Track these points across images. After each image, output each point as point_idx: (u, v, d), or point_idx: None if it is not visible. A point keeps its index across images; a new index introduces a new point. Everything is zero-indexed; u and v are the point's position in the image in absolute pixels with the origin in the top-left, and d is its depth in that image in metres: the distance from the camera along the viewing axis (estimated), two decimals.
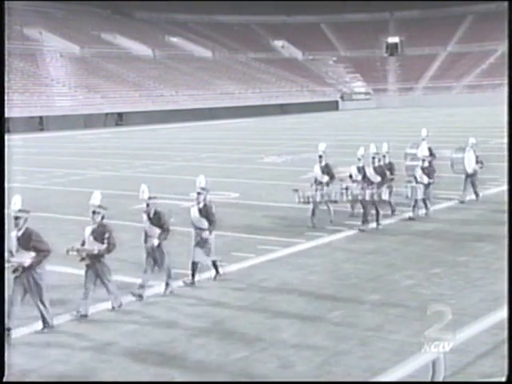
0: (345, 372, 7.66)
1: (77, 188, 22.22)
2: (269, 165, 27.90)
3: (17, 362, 8.02)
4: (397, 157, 19.36)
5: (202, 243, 11.28)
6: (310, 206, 15.47)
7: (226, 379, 7.65)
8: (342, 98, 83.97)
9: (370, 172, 15.43)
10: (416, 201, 16.02)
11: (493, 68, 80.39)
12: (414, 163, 17.19)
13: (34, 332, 9.24)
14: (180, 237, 12.13)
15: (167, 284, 10.84)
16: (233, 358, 8.15)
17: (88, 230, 10.04)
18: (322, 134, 40.18)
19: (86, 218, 10.33)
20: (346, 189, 15.23)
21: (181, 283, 11.17)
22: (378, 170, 15.50)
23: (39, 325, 9.35)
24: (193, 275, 11.25)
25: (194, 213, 11.37)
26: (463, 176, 18.08)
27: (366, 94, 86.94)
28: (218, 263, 11.59)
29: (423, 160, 16.37)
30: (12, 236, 9.19)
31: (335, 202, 15.39)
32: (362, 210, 15.30)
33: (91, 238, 9.92)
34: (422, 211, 16.24)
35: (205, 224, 11.28)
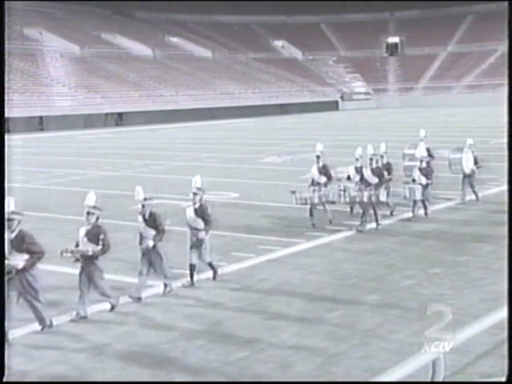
0: (345, 372, 7.66)
1: (77, 188, 22.21)
2: (269, 165, 27.90)
3: (13, 362, 8.01)
4: (396, 157, 19.38)
5: (197, 244, 11.22)
6: (308, 207, 15.47)
7: (225, 379, 7.65)
8: (341, 97, 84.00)
9: (367, 173, 15.38)
10: (415, 201, 16.02)
11: (493, 68, 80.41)
12: (412, 163, 17.19)
13: (33, 333, 9.22)
14: (180, 237, 12.12)
15: (165, 285, 10.83)
16: (233, 359, 8.15)
17: (82, 230, 9.94)
18: (322, 134, 40.21)
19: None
20: (344, 190, 15.22)
21: (179, 284, 11.16)
22: (376, 172, 15.44)
23: (37, 326, 9.33)
24: (191, 277, 11.23)
25: (190, 213, 11.32)
26: (461, 176, 18.08)
27: (366, 93, 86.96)
28: (216, 263, 11.56)
29: (421, 161, 16.35)
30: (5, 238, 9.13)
31: (333, 202, 15.37)
32: (361, 211, 15.30)
33: (85, 239, 9.81)
34: (421, 212, 16.23)
35: (200, 224, 11.22)
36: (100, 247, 9.77)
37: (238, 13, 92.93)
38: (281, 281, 11.39)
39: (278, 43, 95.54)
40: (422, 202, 16.14)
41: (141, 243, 10.78)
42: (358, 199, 15.10)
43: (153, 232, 10.61)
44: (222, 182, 23.09)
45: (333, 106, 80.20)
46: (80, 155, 34.31)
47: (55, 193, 22.18)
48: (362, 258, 12.78)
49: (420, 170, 16.21)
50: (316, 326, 9.20)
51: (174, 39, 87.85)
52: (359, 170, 15.76)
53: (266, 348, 8.43)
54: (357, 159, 16.13)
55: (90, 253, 9.71)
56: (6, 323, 7.87)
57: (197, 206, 11.34)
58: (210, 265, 11.46)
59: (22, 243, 9.04)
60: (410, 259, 12.62)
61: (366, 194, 14.88)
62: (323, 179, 15.65)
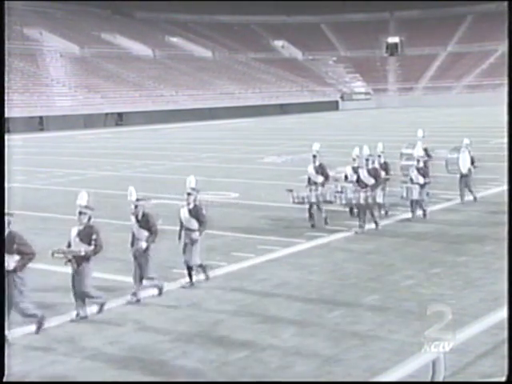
0: (345, 372, 7.66)
1: (77, 188, 22.08)
2: (269, 165, 27.91)
3: (13, 362, 8.02)
4: (395, 157, 19.39)
5: (190, 244, 11.15)
6: (306, 207, 15.45)
7: (225, 379, 7.65)
8: (341, 97, 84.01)
9: (363, 174, 15.31)
10: (413, 201, 15.98)
11: (493, 68, 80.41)
12: (409, 163, 17.17)
13: (33, 333, 9.22)
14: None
15: (158, 288, 10.70)
16: (233, 359, 8.15)
17: (74, 231, 9.83)
18: (322, 134, 40.21)
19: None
20: (341, 191, 15.20)
21: (176, 285, 11.16)
22: (372, 172, 15.37)
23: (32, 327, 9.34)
24: (190, 277, 11.21)
25: (184, 213, 11.25)
26: (458, 176, 18.07)
27: (366, 94, 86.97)
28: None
29: (418, 160, 16.30)
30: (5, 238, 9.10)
31: (330, 202, 15.35)
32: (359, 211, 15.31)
33: (77, 239, 9.71)
34: (419, 212, 16.19)
35: (195, 225, 11.14)
36: (92, 247, 9.65)
37: (238, 13, 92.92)
38: (281, 281, 11.39)
39: (278, 43, 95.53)
40: (418, 202, 16.05)
41: (133, 244, 10.68)
42: (354, 201, 15.08)
43: (146, 233, 10.51)
44: (222, 182, 23.09)
45: (333, 106, 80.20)
46: (80, 155, 34.31)
47: (55, 193, 22.17)
48: (361, 258, 12.79)
49: (417, 169, 16.17)
50: (316, 326, 9.20)
51: (174, 39, 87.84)
52: (356, 170, 15.75)
53: (266, 348, 8.43)
54: (354, 159, 16.13)
55: (83, 253, 9.60)
56: (6, 323, 7.87)
57: (191, 206, 11.25)
58: (201, 266, 11.34)
59: (13, 244, 8.86)
60: (410, 259, 12.62)
61: (362, 195, 14.85)
62: (320, 179, 15.61)
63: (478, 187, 19.53)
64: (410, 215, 16.15)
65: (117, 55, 77.46)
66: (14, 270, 8.85)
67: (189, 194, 11.30)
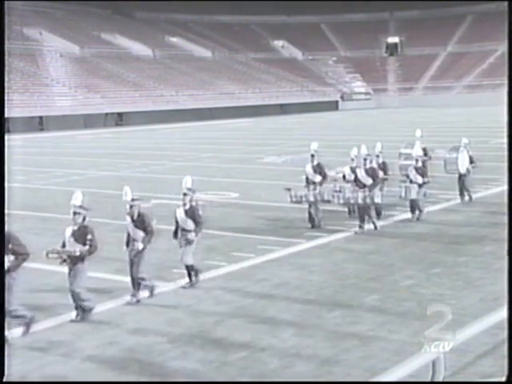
0: (345, 372, 7.66)
1: (77, 188, 22.17)
2: (269, 165, 27.91)
3: (13, 362, 8.02)
4: (394, 157, 19.40)
5: (185, 245, 11.07)
6: (306, 207, 15.44)
7: (225, 379, 7.64)
8: (342, 97, 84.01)
9: (361, 174, 15.30)
10: (411, 201, 15.96)
11: (493, 68, 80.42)
12: (407, 163, 17.16)
13: (32, 333, 9.21)
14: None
15: (149, 289, 10.60)
16: (232, 359, 8.15)
17: (68, 231, 9.77)
18: (322, 134, 40.22)
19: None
20: (339, 191, 15.18)
21: (176, 285, 11.16)
22: (370, 172, 15.35)
23: (36, 326, 9.33)
24: (189, 277, 11.20)
25: (180, 214, 11.17)
26: (457, 176, 18.05)
27: (366, 94, 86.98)
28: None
29: (416, 160, 16.27)
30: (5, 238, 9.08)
31: (328, 201, 15.33)
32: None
33: (72, 239, 9.65)
34: (417, 212, 16.15)
35: (191, 226, 11.07)
36: (87, 247, 9.59)
37: (238, 13, 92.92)
38: (281, 281, 11.38)
39: (278, 43, 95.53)
40: (417, 201, 15.99)
41: (128, 244, 10.60)
42: (352, 201, 15.06)
43: (141, 233, 10.44)
44: (222, 181, 23.10)
45: (333, 106, 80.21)
46: (80, 155, 34.31)
47: (55, 193, 22.16)
48: (361, 258, 12.79)
49: (416, 169, 16.14)
50: (316, 326, 9.20)
51: (174, 39, 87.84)
52: (354, 170, 15.74)
53: (266, 348, 8.43)
54: (352, 159, 16.11)
55: (78, 253, 9.53)
56: (5, 323, 7.87)
57: (187, 206, 11.17)
58: (192, 268, 11.20)
59: (8, 244, 8.78)
60: (410, 259, 12.62)
61: (360, 195, 14.84)
62: (318, 178, 15.58)
63: (478, 187, 19.54)
64: (409, 215, 16.13)
65: (117, 55, 77.46)
66: (8, 270, 8.81)
67: (185, 195, 11.21)
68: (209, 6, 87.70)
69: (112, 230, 14.11)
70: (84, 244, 9.61)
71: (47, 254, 9.63)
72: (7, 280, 8.68)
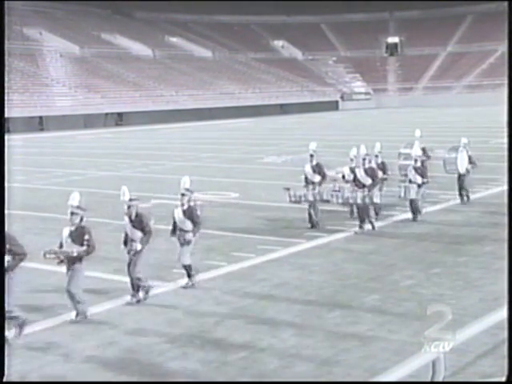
0: (345, 372, 7.66)
1: (77, 188, 22.12)
2: (269, 165, 27.91)
3: (13, 362, 8.02)
4: (393, 157, 19.39)
5: (183, 245, 11.04)
6: (306, 207, 15.42)
7: (226, 379, 7.64)
8: (342, 97, 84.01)
9: (360, 174, 15.28)
10: (411, 201, 15.94)
11: (493, 68, 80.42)
12: (407, 163, 17.15)
13: (32, 333, 9.22)
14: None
15: (145, 289, 10.51)
16: (232, 359, 8.15)
17: (66, 231, 9.74)
18: (322, 134, 40.22)
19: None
20: (338, 190, 15.16)
21: (176, 285, 11.15)
22: (369, 172, 15.34)
23: (36, 326, 9.33)
24: (189, 277, 11.18)
25: (178, 214, 11.14)
26: (456, 176, 18.02)
27: (366, 94, 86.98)
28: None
29: (416, 160, 16.24)
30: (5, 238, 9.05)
31: (327, 201, 15.32)
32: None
33: (69, 239, 9.63)
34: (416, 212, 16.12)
35: (189, 226, 11.04)
36: (84, 248, 9.55)
37: (238, 13, 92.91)
38: (281, 281, 11.38)
39: (278, 43, 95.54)
40: (415, 202, 15.95)
41: (126, 243, 10.56)
42: (351, 200, 15.04)
43: (139, 234, 10.40)
44: (222, 181, 23.10)
45: (333, 106, 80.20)
46: (80, 155, 34.31)
47: (55, 193, 22.16)
48: (361, 258, 12.79)
49: (415, 169, 16.10)
50: (316, 326, 9.20)
51: (174, 39, 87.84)
52: (354, 170, 15.71)
53: (266, 348, 8.43)
54: (351, 159, 16.08)
55: (75, 254, 9.51)
56: (5, 323, 7.86)
57: (185, 207, 11.15)
58: (190, 267, 11.15)
59: (5, 244, 8.87)
60: (410, 259, 12.62)
61: (359, 195, 14.82)
62: (317, 178, 15.55)
63: (478, 187, 19.55)
64: (409, 215, 16.11)
65: (117, 55, 77.46)
66: (6, 270, 8.80)
67: (183, 195, 11.19)
68: (209, 6, 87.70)
69: (112, 230, 14.11)
70: (81, 244, 9.58)
71: (44, 255, 9.61)
72: (8, 281, 8.67)
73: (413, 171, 16.05)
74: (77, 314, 9.70)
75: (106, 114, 62.19)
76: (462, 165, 17.72)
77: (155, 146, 38.56)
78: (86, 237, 9.61)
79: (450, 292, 10.43)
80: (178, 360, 8.18)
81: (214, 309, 10.07)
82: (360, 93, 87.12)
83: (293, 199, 15.42)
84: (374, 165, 15.86)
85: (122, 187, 10.69)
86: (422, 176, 16.04)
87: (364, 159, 15.52)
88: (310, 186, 15.38)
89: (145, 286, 10.54)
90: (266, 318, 9.59)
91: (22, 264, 9.14)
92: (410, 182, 15.94)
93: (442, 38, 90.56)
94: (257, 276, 11.74)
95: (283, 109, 73.56)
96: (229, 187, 21.60)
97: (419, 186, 15.88)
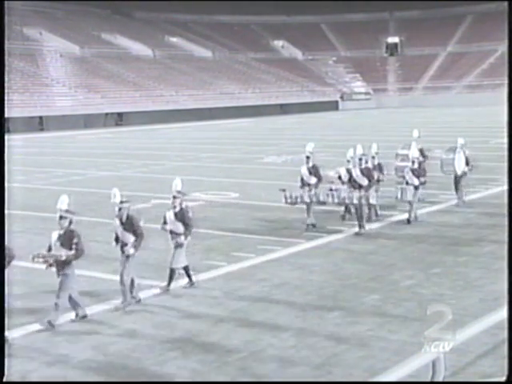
0: (345, 372, 7.66)
1: (77, 188, 22.22)
2: (269, 165, 27.91)
3: (13, 362, 8.02)
4: (391, 157, 19.39)
5: (175, 248, 10.97)
6: (304, 207, 15.40)
7: (226, 379, 7.65)
8: (341, 97, 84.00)
9: (356, 173, 15.20)
10: (409, 202, 15.88)
11: (493, 68, 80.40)
12: (404, 164, 17.09)
13: (32, 333, 9.22)
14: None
15: (124, 297, 10.27)
16: (232, 359, 8.15)
17: (55, 235, 9.69)
18: (322, 134, 40.23)
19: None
20: (335, 190, 15.12)
21: (176, 285, 11.15)
22: (365, 172, 15.28)
23: (36, 326, 9.33)
24: (189, 277, 11.17)
25: (170, 217, 11.05)
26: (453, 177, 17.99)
27: (366, 94, 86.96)
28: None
29: (413, 161, 16.16)
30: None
31: (323, 203, 15.28)
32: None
33: (58, 243, 9.57)
34: (413, 214, 16.04)
35: (180, 229, 10.95)
36: (73, 252, 9.49)
37: (238, 13, 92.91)
38: (281, 281, 11.38)
39: (278, 43, 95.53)
40: (411, 204, 15.91)
41: (117, 241, 10.43)
42: (348, 201, 14.99)
43: (131, 236, 10.28)
44: (222, 181, 23.10)
45: (333, 106, 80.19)
46: (80, 155, 34.31)
47: (55, 193, 22.11)
48: (361, 258, 12.79)
49: (412, 171, 16.02)
50: (316, 326, 9.20)
51: (174, 39, 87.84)
52: (350, 171, 15.64)
53: (266, 348, 8.43)
54: (348, 161, 15.99)
55: (64, 257, 9.44)
56: (5, 323, 7.86)
57: (177, 209, 11.05)
58: (187, 268, 11.14)
59: None
60: (410, 259, 12.62)
61: (356, 195, 14.78)
62: (313, 180, 15.50)
63: (478, 187, 19.55)
64: (407, 216, 16.05)
65: (117, 55, 77.45)
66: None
67: (174, 198, 11.10)
68: (209, 6, 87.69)
69: (111, 230, 14.07)
70: (70, 248, 9.51)
71: (33, 259, 9.54)
72: None
73: (410, 173, 15.95)
74: (76, 315, 9.71)
75: (106, 114, 62.19)
76: (460, 166, 17.65)
77: (155, 146, 38.55)
78: (75, 240, 9.53)
79: (450, 292, 10.44)
80: (178, 360, 8.18)
81: (213, 308, 10.07)
82: (360, 93, 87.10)
83: (289, 201, 15.29)
84: (370, 165, 15.82)
85: (113, 189, 10.58)
86: (419, 178, 15.94)
87: (360, 159, 15.45)
88: (306, 188, 15.35)
89: (124, 294, 10.20)
90: (266, 317, 9.59)
91: (22, 264, 9.16)
92: (407, 183, 15.85)
93: (442, 38, 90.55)
94: (257, 276, 11.74)
95: (283, 109, 73.55)
96: (229, 187, 21.60)
97: (416, 187, 15.81)
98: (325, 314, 9.67)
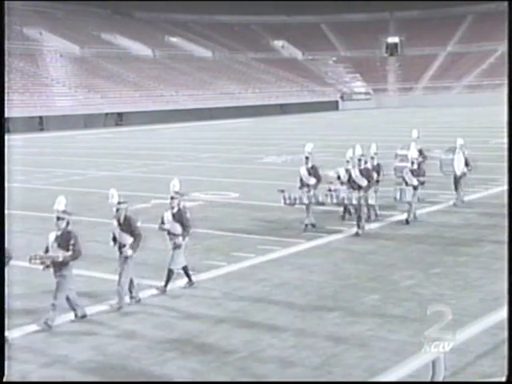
0: (345, 372, 7.66)
1: (77, 188, 22.22)
2: (269, 165, 27.90)
3: (13, 362, 8.02)
4: (391, 157, 19.37)
5: (173, 248, 10.95)
6: (304, 208, 15.39)
7: (226, 379, 7.64)
8: (341, 97, 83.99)
9: (355, 174, 15.15)
10: (408, 203, 15.86)
11: (493, 68, 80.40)
12: (403, 164, 17.07)
13: (32, 333, 9.22)
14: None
15: (119, 299, 10.26)
16: (232, 359, 8.15)
17: (52, 236, 9.66)
18: (322, 134, 40.23)
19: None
20: (334, 191, 15.09)
21: (176, 285, 11.15)
22: (364, 173, 15.24)
23: (36, 327, 9.33)
24: (188, 277, 11.15)
25: (168, 217, 11.02)
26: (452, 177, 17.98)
27: (366, 94, 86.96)
28: (190, 272, 11.28)
29: (412, 162, 16.14)
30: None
31: (322, 204, 15.26)
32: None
33: (55, 244, 9.54)
34: (410, 214, 16.02)
35: (178, 230, 10.91)
36: (70, 253, 9.46)
37: (238, 13, 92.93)
38: (281, 281, 11.38)
39: (278, 43, 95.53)
40: (410, 204, 15.89)
41: (115, 240, 10.41)
42: (346, 201, 14.97)
43: (129, 238, 10.23)
44: (222, 181, 23.10)
45: (333, 106, 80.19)
46: (80, 155, 34.30)
47: (55, 193, 22.10)
48: (361, 258, 12.78)
49: (411, 171, 15.99)
50: (316, 326, 9.20)
51: (174, 39, 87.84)
52: (349, 171, 15.63)
53: (266, 348, 8.43)
54: (347, 161, 15.98)
55: (60, 259, 9.41)
56: (5, 323, 7.86)
57: (175, 210, 11.02)
58: (186, 268, 11.13)
59: None
60: (410, 259, 12.61)
61: (355, 195, 14.75)
62: (312, 180, 15.46)
63: (477, 187, 19.55)
64: (406, 216, 16.05)
65: (117, 55, 77.46)
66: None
67: (172, 198, 11.06)
68: (209, 6, 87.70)
69: (111, 230, 14.07)
70: (67, 249, 9.48)
71: (30, 260, 9.51)
72: None
73: (409, 173, 15.92)
74: (75, 315, 9.70)
75: (106, 114, 62.18)
76: (459, 166, 17.64)
77: (155, 146, 38.55)
78: (72, 241, 9.50)
79: (450, 292, 10.43)
80: (178, 360, 8.18)
81: (213, 308, 10.07)
82: (360, 93, 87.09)
83: (288, 202, 15.23)
84: (369, 166, 15.80)
85: (111, 190, 10.54)
86: (418, 178, 15.91)
87: (359, 160, 15.42)
88: (305, 189, 15.33)
89: (120, 295, 10.18)
90: (266, 318, 9.59)
91: (22, 264, 9.15)
92: (406, 184, 15.83)
93: (442, 37, 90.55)
94: (257, 276, 11.74)
95: (283, 109, 73.54)
96: (229, 187, 21.59)
97: (415, 188, 15.79)
98: (324, 314, 9.67)
